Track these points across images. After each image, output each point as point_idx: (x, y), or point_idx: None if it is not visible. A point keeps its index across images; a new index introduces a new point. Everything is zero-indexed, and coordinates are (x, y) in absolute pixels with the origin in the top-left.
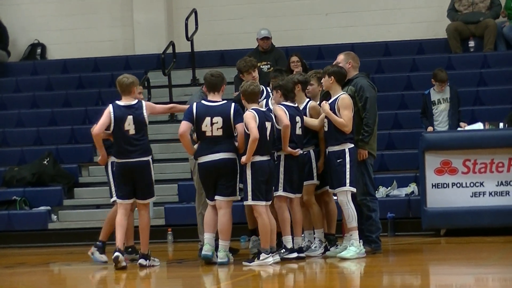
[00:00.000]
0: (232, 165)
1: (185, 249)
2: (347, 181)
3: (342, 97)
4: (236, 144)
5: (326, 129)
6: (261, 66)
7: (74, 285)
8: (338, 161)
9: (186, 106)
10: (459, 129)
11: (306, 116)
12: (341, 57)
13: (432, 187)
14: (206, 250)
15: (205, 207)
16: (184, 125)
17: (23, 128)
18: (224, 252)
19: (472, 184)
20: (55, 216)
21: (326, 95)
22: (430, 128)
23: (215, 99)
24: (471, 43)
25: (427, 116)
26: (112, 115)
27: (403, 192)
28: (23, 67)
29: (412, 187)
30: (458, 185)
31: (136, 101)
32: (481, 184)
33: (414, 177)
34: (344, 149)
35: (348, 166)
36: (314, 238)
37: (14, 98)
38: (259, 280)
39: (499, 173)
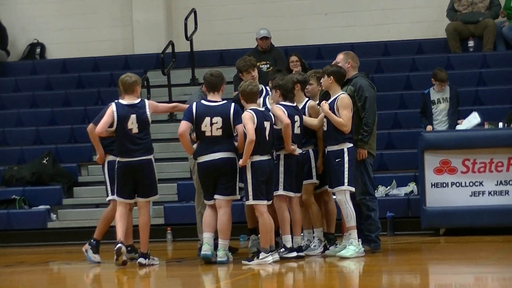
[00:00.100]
0: (231, 165)
1: (184, 248)
2: (346, 180)
3: (342, 97)
4: (236, 144)
5: (325, 128)
6: (261, 66)
7: (73, 284)
8: (336, 160)
9: None
10: (457, 127)
11: (305, 115)
12: (340, 57)
13: (432, 187)
14: (205, 249)
15: (205, 207)
16: (184, 125)
17: (22, 128)
18: (223, 251)
19: (471, 184)
20: (55, 215)
21: (325, 95)
22: (429, 127)
23: (215, 99)
24: (471, 43)
25: (426, 115)
26: (115, 114)
27: (402, 191)
28: (23, 66)
29: (412, 187)
30: (458, 184)
31: (139, 100)
32: (481, 183)
33: (413, 177)
34: (343, 149)
35: (346, 165)
36: (314, 237)
37: (13, 98)
38: (259, 279)
39: (498, 173)
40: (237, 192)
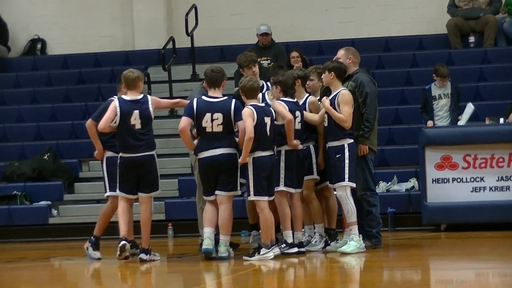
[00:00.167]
0: (232, 161)
1: (185, 244)
2: (346, 176)
3: (342, 92)
4: (237, 139)
5: (326, 124)
6: (261, 62)
7: (74, 280)
8: (337, 156)
9: None
10: (459, 123)
11: (305, 111)
12: (341, 53)
13: (433, 182)
14: (207, 244)
15: (206, 202)
16: (184, 121)
17: (23, 124)
18: (224, 246)
19: (472, 179)
20: (56, 211)
21: (326, 91)
22: (430, 123)
23: (216, 95)
24: (471, 39)
25: (427, 111)
26: (118, 110)
27: (403, 187)
28: (23, 62)
29: (413, 182)
30: (459, 180)
31: (141, 95)
32: (482, 179)
33: (414, 172)
34: (344, 145)
35: (347, 161)
36: (315, 233)
37: (14, 94)
38: (260, 274)
39: (499, 168)
40: (238, 188)
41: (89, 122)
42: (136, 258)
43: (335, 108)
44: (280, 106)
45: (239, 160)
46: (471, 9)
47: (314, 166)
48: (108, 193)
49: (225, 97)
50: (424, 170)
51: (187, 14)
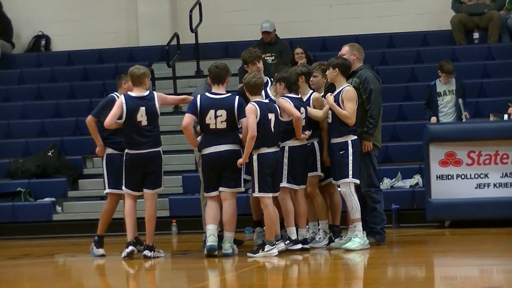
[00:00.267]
0: (236, 157)
1: (189, 241)
2: (350, 172)
3: (347, 89)
4: (240, 136)
5: (329, 121)
6: (266, 58)
7: (78, 277)
8: (340, 152)
9: None
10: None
11: (309, 107)
12: (345, 49)
13: (437, 179)
14: (212, 241)
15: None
16: (188, 118)
17: (27, 120)
18: (229, 243)
19: (476, 176)
20: (60, 208)
21: (330, 87)
22: (433, 119)
23: (220, 91)
24: (476, 35)
25: (431, 107)
26: (125, 106)
27: (407, 183)
28: (28, 59)
29: (417, 179)
30: (463, 176)
31: (148, 92)
32: (486, 175)
33: (418, 169)
34: (347, 141)
35: (351, 157)
36: (319, 229)
37: (18, 90)
38: (264, 271)
39: (503, 165)
40: (242, 184)
41: (89, 118)
42: (140, 255)
43: (339, 105)
44: (287, 103)
45: (240, 161)
46: (475, 5)
47: (318, 162)
48: (107, 190)
49: (229, 94)
50: (428, 166)
51: (191, 10)
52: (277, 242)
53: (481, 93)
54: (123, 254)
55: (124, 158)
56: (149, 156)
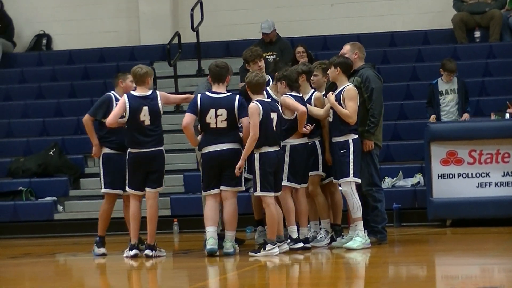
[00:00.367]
0: (237, 156)
1: (191, 240)
2: (351, 171)
3: (348, 88)
4: (241, 134)
5: (330, 119)
6: (267, 57)
7: (80, 276)
8: (341, 152)
9: None
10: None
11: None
12: (347, 48)
13: (438, 178)
14: (212, 244)
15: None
16: (188, 117)
17: (28, 119)
18: (230, 242)
19: (478, 175)
20: (61, 207)
21: (332, 86)
22: (433, 117)
23: (220, 90)
24: (477, 34)
25: (432, 105)
26: (128, 106)
27: (409, 182)
28: (29, 58)
29: (418, 178)
30: (464, 175)
31: (151, 91)
32: (487, 174)
33: (420, 168)
34: (348, 140)
35: (351, 156)
36: (320, 228)
37: (19, 89)
38: (265, 270)
39: (505, 164)
40: (243, 184)
41: (86, 117)
42: (141, 254)
43: (340, 104)
44: (289, 100)
45: (238, 165)
46: (477, 4)
47: (320, 162)
48: (104, 190)
49: (229, 93)
50: (430, 165)
51: (192, 9)
52: (280, 243)
53: (482, 92)
54: (125, 254)
55: (127, 157)
56: (152, 154)
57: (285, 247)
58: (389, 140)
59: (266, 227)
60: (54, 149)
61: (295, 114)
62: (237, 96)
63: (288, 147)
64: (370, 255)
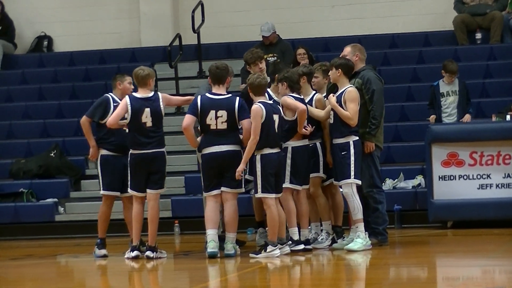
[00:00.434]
0: (237, 157)
1: (191, 241)
2: (352, 173)
3: (349, 90)
4: (241, 136)
5: (331, 121)
6: (268, 58)
7: (81, 277)
8: (342, 153)
9: None
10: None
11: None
12: (348, 50)
13: (439, 179)
14: (212, 247)
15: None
16: (188, 119)
17: (29, 121)
18: (231, 244)
19: (479, 176)
20: (62, 208)
21: (333, 88)
22: (432, 117)
23: (220, 92)
24: (478, 35)
25: (434, 107)
26: (130, 107)
27: (409, 184)
28: (30, 59)
29: (419, 179)
30: (465, 177)
31: (152, 93)
32: (488, 176)
33: (421, 169)
34: (349, 142)
35: (352, 158)
36: (321, 230)
37: (20, 90)
38: (266, 272)
39: (506, 165)
40: (243, 185)
41: (83, 119)
42: (142, 256)
43: (341, 105)
44: (289, 99)
45: (239, 168)
46: (478, 6)
47: (321, 163)
48: (102, 192)
49: (229, 95)
50: (431, 167)
51: (193, 11)
52: (282, 245)
53: (483, 94)
54: (126, 255)
55: (129, 158)
56: (153, 156)
57: (286, 249)
58: (390, 142)
59: (267, 228)
60: (55, 151)
61: (296, 115)
62: (237, 98)
63: (289, 149)
64: (371, 257)
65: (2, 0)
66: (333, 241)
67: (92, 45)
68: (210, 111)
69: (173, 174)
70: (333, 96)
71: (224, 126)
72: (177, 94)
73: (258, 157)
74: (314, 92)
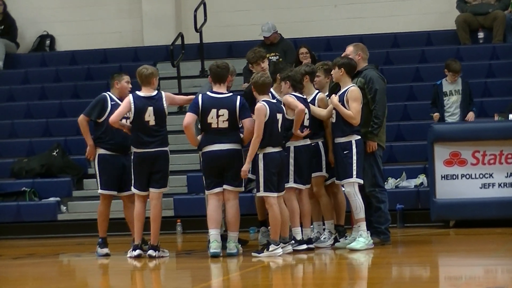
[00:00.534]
0: (238, 156)
1: (194, 240)
2: (354, 172)
3: (352, 89)
4: (242, 135)
5: (333, 120)
6: (270, 58)
7: (83, 276)
8: (344, 152)
9: None
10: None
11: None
12: (350, 49)
13: (441, 179)
14: (215, 247)
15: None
16: (189, 117)
17: (32, 120)
18: (233, 243)
19: (481, 176)
20: (64, 207)
21: (335, 87)
22: (436, 114)
23: (221, 91)
24: (480, 35)
25: (437, 106)
26: (133, 106)
27: (412, 183)
28: (32, 58)
29: (421, 179)
30: (467, 176)
31: (155, 92)
32: (490, 175)
33: (423, 169)
34: (351, 141)
35: (354, 157)
36: (324, 229)
37: (23, 90)
38: (268, 271)
39: (508, 165)
40: (243, 184)
41: (81, 117)
42: (145, 255)
43: (343, 104)
44: (291, 98)
45: (244, 168)
46: (480, 5)
47: (323, 163)
48: (99, 191)
49: (231, 94)
50: (433, 166)
51: (196, 10)
52: (285, 244)
53: (486, 93)
54: (129, 254)
55: (132, 157)
56: (156, 154)
57: (289, 248)
58: (393, 141)
59: (269, 227)
60: (57, 150)
61: None
62: (239, 97)
63: (292, 149)
64: (373, 256)
65: None
66: (336, 240)
67: (94, 45)
68: (211, 110)
69: (176, 173)
70: (336, 95)
71: (225, 125)
72: (180, 93)
73: (260, 156)
74: (317, 91)
